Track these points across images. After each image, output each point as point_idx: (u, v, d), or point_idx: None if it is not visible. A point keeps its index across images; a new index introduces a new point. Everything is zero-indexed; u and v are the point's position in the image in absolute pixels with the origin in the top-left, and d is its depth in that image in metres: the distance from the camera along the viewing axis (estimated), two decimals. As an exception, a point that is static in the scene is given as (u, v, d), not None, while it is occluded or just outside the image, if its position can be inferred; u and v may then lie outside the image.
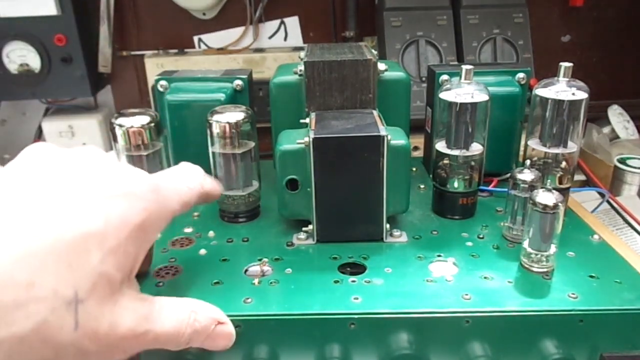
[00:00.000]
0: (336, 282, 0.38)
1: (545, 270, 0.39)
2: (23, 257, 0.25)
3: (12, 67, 0.83)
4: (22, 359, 0.25)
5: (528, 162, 0.44)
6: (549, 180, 0.46)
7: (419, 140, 0.64)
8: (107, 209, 0.27)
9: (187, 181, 0.35)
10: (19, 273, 0.24)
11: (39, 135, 0.93)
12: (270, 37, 0.92)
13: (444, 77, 0.53)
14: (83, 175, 0.28)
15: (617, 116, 0.88)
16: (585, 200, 0.59)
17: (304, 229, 0.44)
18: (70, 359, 0.26)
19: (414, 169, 0.60)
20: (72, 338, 0.26)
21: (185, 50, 0.91)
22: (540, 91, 0.46)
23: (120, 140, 0.45)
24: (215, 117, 0.45)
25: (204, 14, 0.89)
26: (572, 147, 0.46)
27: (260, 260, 0.41)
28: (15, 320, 0.24)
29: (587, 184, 0.66)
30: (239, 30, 0.91)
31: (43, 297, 0.25)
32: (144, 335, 0.29)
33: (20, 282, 0.24)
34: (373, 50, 0.51)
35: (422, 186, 0.55)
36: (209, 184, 0.37)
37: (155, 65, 0.86)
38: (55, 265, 0.25)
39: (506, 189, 0.44)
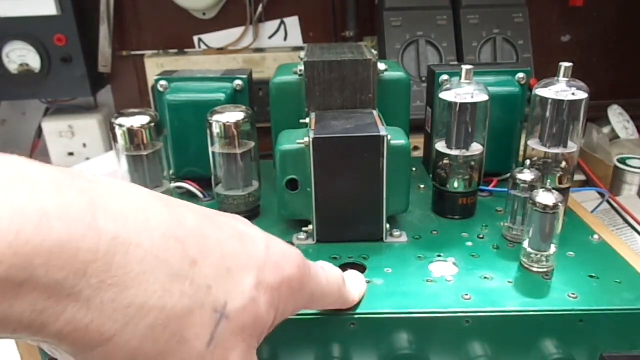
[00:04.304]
0: (336, 282, 0.38)
1: (545, 270, 0.39)
2: (194, 233, 0.22)
3: (12, 67, 0.83)
4: (137, 335, 0.20)
5: (528, 162, 0.44)
6: (549, 180, 0.46)
7: (419, 140, 0.64)
8: (270, 244, 0.26)
9: (327, 274, 0.31)
10: (191, 244, 0.22)
11: (39, 136, 0.93)
12: (270, 37, 0.92)
13: (444, 77, 0.53)
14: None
15: (617, 116, 0.88)
16: (585, 200, 0.59)
17: (304, 229, 0.44)
18: None
19: (414, 169, 0.60)
20: (197, 353, 0.21)
21: (185, 50, 0.91)
22: (540, 91, 0.46)
23: (120, 140, 0.45)
24: (215, 117, 0.45)
25: (204, 14, 0.90)
26: (572, 147, 0.46)
27: (260, 260, 0.41)
28: (172, 291, 0.20)
29: (587, 184, 0.66)
30: (239, 30, 0.91)
31: (198, 285, 0.21)
32: None
33: (187, 253, 0.21)
34: (373, 50, 0.51)
35: (422, 186, 0.55)
36: (348, 293, 0.33)
37: (155, 65, 0.86)
38: (217, 260, 0.23)
39: (506, 189, 0.44)
